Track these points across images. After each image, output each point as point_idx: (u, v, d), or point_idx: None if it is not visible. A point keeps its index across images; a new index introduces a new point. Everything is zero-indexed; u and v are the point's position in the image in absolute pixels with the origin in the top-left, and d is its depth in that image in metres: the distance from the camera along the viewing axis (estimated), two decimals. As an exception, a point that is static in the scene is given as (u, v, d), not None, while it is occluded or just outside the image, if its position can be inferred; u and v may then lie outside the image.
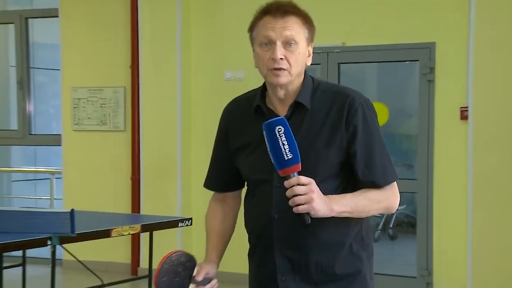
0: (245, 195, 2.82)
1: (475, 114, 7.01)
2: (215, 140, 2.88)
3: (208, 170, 2.92)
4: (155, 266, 6.66)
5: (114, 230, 5.77)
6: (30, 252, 6.76)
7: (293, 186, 2.40)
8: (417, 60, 7.44)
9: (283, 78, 2.56)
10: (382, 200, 2.63)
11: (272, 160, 2.44)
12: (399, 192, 2.67)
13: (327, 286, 2.64)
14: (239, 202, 2.91)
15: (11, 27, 9.48)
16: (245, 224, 2.80)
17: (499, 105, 6.93)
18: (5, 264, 6.33)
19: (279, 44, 2.54)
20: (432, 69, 7.29)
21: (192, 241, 8.21)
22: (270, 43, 2.56)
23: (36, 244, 5.37)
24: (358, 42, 7.54)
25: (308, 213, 2.41)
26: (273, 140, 2.41)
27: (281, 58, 2.53)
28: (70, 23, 8.88)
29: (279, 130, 2.40)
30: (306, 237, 2.59)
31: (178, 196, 8.17)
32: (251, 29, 2.69)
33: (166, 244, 7.91)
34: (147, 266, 6.54)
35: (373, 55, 7.64)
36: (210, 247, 2.81)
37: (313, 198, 2.39)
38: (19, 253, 6.60)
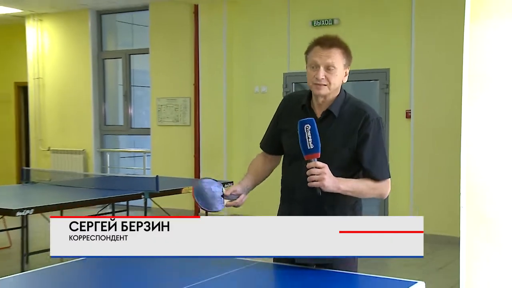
0: (283, 162, 2.61)
1: (415, 114, 7.06)
2: (273, 117, 2.64)
3: (265, 136, 2.68)
4: (210, 213, 6.73)
5: (183, 189, 5.81)
6: (131, 203, 6.82)
7: (312, 168, 2.28)
8: (378, 80, 7.41)
9: (323, 90, 2.40)
10: (376, 188, 2.43)
11: (301, 147, 2.30)
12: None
13: None
14: (276, 164, 2.69)
15: (120, 60, 9.58)
16: (281, 183, 2.59)
17: (431, 108, 6.94)
18: (116, 210, 6.41)
19: (322, 68, 2.37)
20: (387, 86, 7.27)
21: (233, 196, 8.25)
22: (316, 66, 2.38)
23: (134, 197, 5.44)
24: (340, 68, 7.52)
25: (319, 188, 2.29)
26: (302, 134, 2.29)
27: (322, 78, 2.37)
28: (156, 57, 8.94)
29: (307, 127, 2.27)
30: (318, 200, 2.39)
31: (224, 167, 8.21)
32: (307, 52, 2.46)
33: (217, 197, 7.96)
34: (204, 212, 6.57)
35: (350, 77, 7.57)
36: (246, 176, 2.60)
37: (324, 178, 2.26)
38: (124, 203, 6.68)
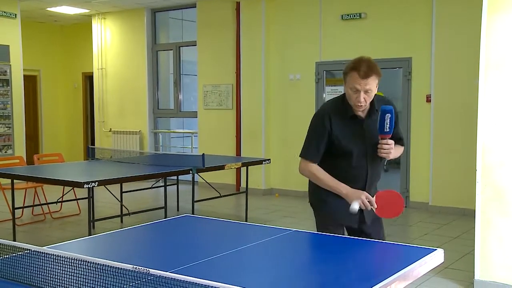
0: (329, 161, 2.69)
1: (435, 98, 6.89)
2: (317, 131, 2.67)
3: (311, 150, 2.69)
4: (250, 186, 6.72)
5: (226, 165, 5.85)
6: (180, 177, 6.90)
7: (385, 144, 2.59)
8: (401, 68, 7.24)
9: (362, 108, 2.60)
10: (401, 151, 2.85)
11: (378, 128, 2.56)
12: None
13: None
14: None
15: (171, 52, 9.62)
16: (334, 174, 2.67)
17: (449, 93, 6.76)
18: (167, 183, 6.49)
19: (362, 93, 2.53)
20: (410, 73, 7.12)
21: (270, 172, 8.25)
22: (357, 91, 2.53)
23: (183, 172, 5.49)
24: (366, 57, 7.39)
25: (385, 158, 2.65)
26: (382, 119, 2.53)
27: (363, 100, 2.55)
28: (202, 49, 8.96)
29: (387, 116, 2.53)
30: (375, 175, 2.77)
31: (262, 146, 8.20)
32: (345, 74, 2.58)
33: (255, 173, 7.97)
34: (244, 186, 6.61)
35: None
36: (340, 183, 2.67)
37: (391, 152, 2.62)
38: (174, 177, 6.76)
